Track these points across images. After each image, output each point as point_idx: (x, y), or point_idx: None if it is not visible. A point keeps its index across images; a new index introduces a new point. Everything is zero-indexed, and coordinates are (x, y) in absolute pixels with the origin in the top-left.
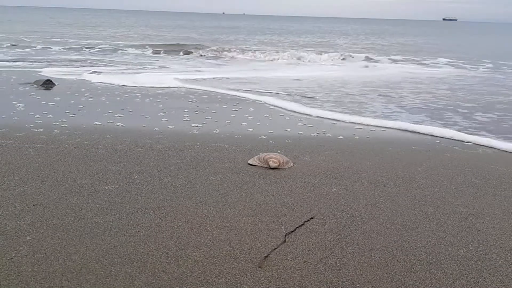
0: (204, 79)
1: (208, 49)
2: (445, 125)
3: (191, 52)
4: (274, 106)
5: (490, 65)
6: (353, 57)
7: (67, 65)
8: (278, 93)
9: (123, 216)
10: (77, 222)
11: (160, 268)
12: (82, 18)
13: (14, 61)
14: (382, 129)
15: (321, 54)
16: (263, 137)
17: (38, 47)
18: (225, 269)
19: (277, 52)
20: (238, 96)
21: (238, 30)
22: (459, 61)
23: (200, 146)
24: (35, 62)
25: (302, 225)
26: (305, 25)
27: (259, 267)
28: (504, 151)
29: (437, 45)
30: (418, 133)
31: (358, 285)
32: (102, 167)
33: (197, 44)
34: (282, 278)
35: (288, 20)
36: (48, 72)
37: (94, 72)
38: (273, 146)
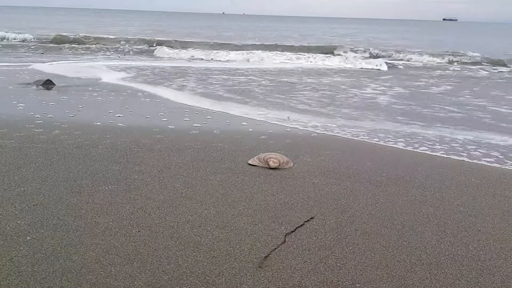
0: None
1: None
2: None
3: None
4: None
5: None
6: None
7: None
8: None
9: (123, 216)
10: (77, 222)
11: (160, 268)
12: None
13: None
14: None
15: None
16: (263, 137)
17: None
18: (225, 269)
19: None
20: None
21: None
22: None
23: (200, 146)
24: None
25: (302, 225)
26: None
27: (259, 267)
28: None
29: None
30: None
31: (358, 285)
32: (102, 167)
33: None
34: (282, 278)
35: (290, 20)
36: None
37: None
38: (273, 146)
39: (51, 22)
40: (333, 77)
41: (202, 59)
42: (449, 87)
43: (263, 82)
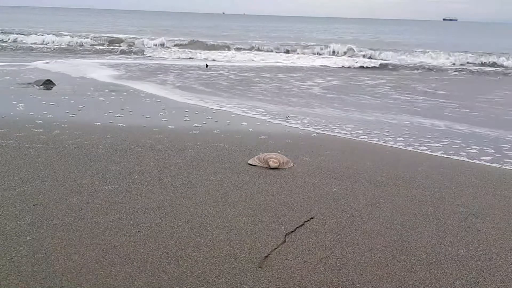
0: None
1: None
2: None
3: None
4: None
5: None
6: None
7: None
8: None
9: (123, 216)
10: (77, 222)
11: (160, 268)
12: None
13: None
14: None
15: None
16: (263, 137)
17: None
18: (225, 269)
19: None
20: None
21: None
22: None
23: (200, 146)
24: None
25: (302, 225)
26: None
27: (259, 267)
28: None
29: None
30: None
31: (358, 285)
32: (102, 167)
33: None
34: (282, 278)
35: (291, 20)
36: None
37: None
38: (273, 146)
39: (54, 22)
40: (292, 72)
41: (191, 58)
42: (382, 81)
43: (231, 76)
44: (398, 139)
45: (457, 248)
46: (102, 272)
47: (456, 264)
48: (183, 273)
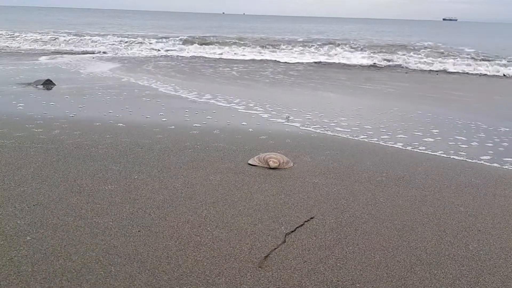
0: None
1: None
2: None
3: None
4: None
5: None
6: None
7: None
8: None
9: (123, 216)
10: (77, 222)
11: (160, 268)
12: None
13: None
14: None
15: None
16: (263, 137)
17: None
18: (225, 269)
19: None
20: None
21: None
22: None
23: (200, 146)
24: None
25: (302, 225)
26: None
27: (259, 267)
28: None
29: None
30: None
31: (358, 285)
32: (102, 167)
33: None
34: (282, 278)
35: (291, 20)
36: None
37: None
38: (273, 146)
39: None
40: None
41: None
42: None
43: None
44: (398, 137)
45: (457, 248)
46: (102, 272)
47: (456, 264)
48: (183, 273)
